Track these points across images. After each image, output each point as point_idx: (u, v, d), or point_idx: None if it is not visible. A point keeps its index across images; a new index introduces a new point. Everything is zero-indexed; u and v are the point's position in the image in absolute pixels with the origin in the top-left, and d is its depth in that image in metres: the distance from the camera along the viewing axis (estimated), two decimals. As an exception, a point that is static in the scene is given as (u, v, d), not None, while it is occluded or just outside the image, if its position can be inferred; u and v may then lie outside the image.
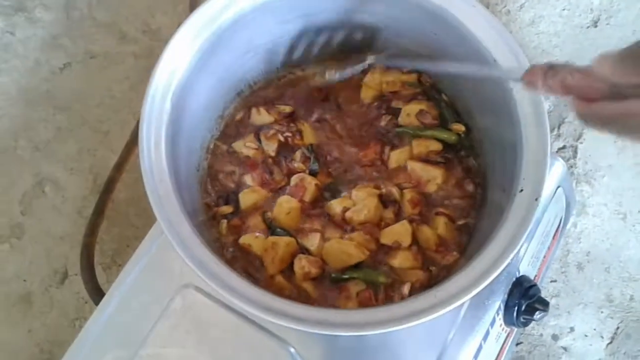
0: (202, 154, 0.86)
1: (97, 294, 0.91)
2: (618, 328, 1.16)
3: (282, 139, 0.88)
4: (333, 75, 0.86)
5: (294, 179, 0.84)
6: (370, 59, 0.86)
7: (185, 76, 0.75)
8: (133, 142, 1.06)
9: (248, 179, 0.85)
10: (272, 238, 0.80)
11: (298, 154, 0.87)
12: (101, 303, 0.80)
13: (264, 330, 0.75)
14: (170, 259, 0.79)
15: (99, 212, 1.02)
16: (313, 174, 0.86)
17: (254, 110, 0.90)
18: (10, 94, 1.31)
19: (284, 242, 0.79)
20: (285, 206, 0.82)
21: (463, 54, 0.78)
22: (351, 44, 0.90)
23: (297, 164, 0.86)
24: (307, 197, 0.83)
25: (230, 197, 0.85)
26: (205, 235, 0.71)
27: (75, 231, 1.20)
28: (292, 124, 0.89)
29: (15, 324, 1.15)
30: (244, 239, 0.81)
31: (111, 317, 0.79)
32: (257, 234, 0.81)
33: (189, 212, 0.68)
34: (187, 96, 0.76)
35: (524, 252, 0.85)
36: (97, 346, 0.77)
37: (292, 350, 0.74)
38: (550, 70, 0.55)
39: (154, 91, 0.72)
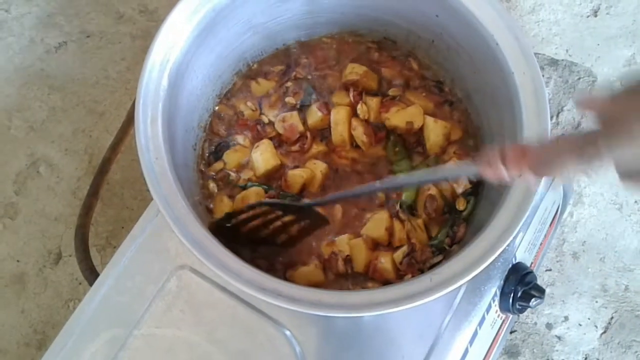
0: (199, 133, 0.85)
1: (91, 274, 0.90)
2: (612, 318, 1.17)
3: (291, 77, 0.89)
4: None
5: (277, 124, 0.85)
6: None
7: (183, 53, 0.74)
8: (129, 123, 1.05)
9: (240, 138, 0.86)
10: (242, 193, 0.81)
11: (291, 85, 0.88)
12: (96, 283, 0.80)
13: (259, 312, 0.74)
14: (166, 240, 0.79)
15: (94, 192, 1.01)
16: (304, 105, 0.87)
17: (253, 83, 0.89)
18: (5, 72, 1.30)
19: (253, 192, 0.80)
20: (260, 148, 0.83)
21: (464, 36, 0.77)
22: (353, 24, 0.89)
23: (289, 99, 0.87)
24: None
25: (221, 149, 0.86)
26: (200, 214, 0.70)
27: (69, 212, 1.19)
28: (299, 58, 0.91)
29: (9, 305, 1.15)
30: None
31: (106, 297, 0.78)
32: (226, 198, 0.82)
33: (185, 192, 0.67)
34: (184, 73, 0.76)
35: (520, 239, 0.85)
36: (91, 325, 0.77)
37: (288, 332, 0.74)
38: (505, 149, 0.54)
39: (151, 67, 0.71)
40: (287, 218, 0.77)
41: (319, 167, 0.83)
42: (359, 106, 0.85)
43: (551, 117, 1.28)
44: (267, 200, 0.80)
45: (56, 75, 1.30)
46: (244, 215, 0.76)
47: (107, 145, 1.05)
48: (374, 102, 0.86)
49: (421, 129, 0.84)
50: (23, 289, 1.16)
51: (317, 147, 0.85)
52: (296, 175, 0.82)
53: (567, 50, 1.34)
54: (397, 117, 0.84)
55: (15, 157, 1.24)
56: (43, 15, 1.35)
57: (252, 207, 0.76)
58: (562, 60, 1.32)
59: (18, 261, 1.17)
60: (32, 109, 1.27)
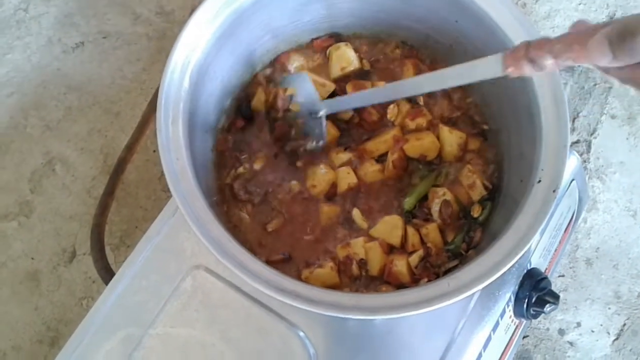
0: (217, 134, 0.85)
1: (106, 273, 0.90)
2: (625, 325, 1.16)
3: None
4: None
5: None
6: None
7: (204, 54, 0.75)
8: (144, 123, 1.06)
9: None
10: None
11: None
12: (111, 282, 0.80)
13: (273, 313, 0.75)
14: (182, 240, 0.80)
15: (109, 192, 1.01)
16: None
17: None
18: (22, 71, 1.31)
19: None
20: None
21: (484, 41, 0.77)
22: (371, 28, 0.89)
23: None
24: None
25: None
26: (218, 214, 0.71)
27: (84, 211, 1.20)
28: None
29: (23, 301, 1.15)
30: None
31: (121, 296, 0.78)
32: None
33: (203, 191, 0.68)
34: (205, 75, 0.76)
35: (536, 245, 0.85)
36: (107, 324, 0.77)
37: (301, 334, 0.74)
38: (531, 42, 0.53)
39: (173, 67, 0.71)
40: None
41: (347, 180, 0.83)
42: (390, 107, 0.85)
43: (566, 123, 1.28)
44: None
45: (73, 75, 1.31)
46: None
47: (122, 145, 1.06)
48: (405, 107, 0.86)
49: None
50: (37, 287, 1.16)
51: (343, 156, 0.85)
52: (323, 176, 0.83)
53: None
54: (412, 149, 0.83)
55: (31, 155, 1.25)
56: (61, 15, 1.36)
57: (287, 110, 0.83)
58: (578, 66, 1.32)
59: (33, 259, 1.18)
60: (49, 108, 1.28)
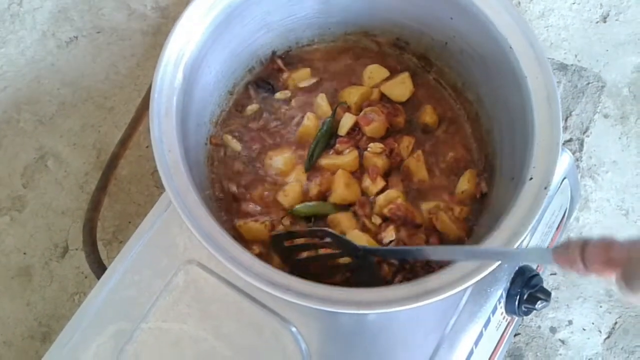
0: (210, 128, 0.85)
1: (99, 268, 0.90)
2: (616, 323, 1.17)
3: None
4: None
5: None
6: None
7: (198, 47, 0.75)
8: (138, 119, 1.06)
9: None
10: None
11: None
12: (103, 276, 0.80)
13: (265, 308, 0.75)
14: (174, 234, 0.80)
15: (102, 187, 1.01)
16: None
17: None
18: (16, 65, 1.31)
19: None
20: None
21: (478, 39, 0.78)
22: (365, 24, 0.89)
23: None
24: None
25: None
26: (212, 208, 0.71)
27: (76, 206, 1.20)
28: None
29: (14, 297, 1.15)
30: None
31: (113, 291, 0.78)
32: None
33: (196, 185, 0.68)
34: (199, 68, 0.76)
35: (528, 242, 0.85)
36: (98, 318, 0.77)
37: (294, 329, 0.74)
38: (588, 246, 0.47)
39: (167, 60, 0.71)
40: (342, 259, 0.73)
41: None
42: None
43: (559, 122, 1.28)
44: (331, 231, 0.73)
45: (66, 70, 1.30)
46: (301, 241, 0.75)
47: (115, 140, 1.06)
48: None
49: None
50: (29, 282, 1.16)
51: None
52: None
53: (575, 56, 1.34)
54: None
55: (23, 150, 1.24)
56: (55, 9, 1.35)
57: (314, 233, 0.74)
58: (572, 65, 1.33)
59: (25, 254, 1.18)
60: (42, 103, 1.28)
